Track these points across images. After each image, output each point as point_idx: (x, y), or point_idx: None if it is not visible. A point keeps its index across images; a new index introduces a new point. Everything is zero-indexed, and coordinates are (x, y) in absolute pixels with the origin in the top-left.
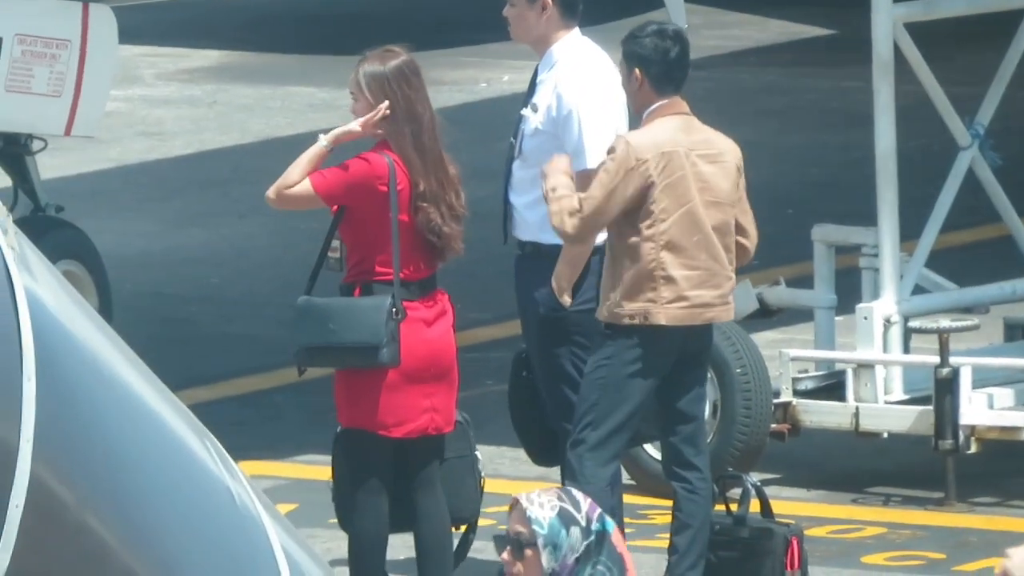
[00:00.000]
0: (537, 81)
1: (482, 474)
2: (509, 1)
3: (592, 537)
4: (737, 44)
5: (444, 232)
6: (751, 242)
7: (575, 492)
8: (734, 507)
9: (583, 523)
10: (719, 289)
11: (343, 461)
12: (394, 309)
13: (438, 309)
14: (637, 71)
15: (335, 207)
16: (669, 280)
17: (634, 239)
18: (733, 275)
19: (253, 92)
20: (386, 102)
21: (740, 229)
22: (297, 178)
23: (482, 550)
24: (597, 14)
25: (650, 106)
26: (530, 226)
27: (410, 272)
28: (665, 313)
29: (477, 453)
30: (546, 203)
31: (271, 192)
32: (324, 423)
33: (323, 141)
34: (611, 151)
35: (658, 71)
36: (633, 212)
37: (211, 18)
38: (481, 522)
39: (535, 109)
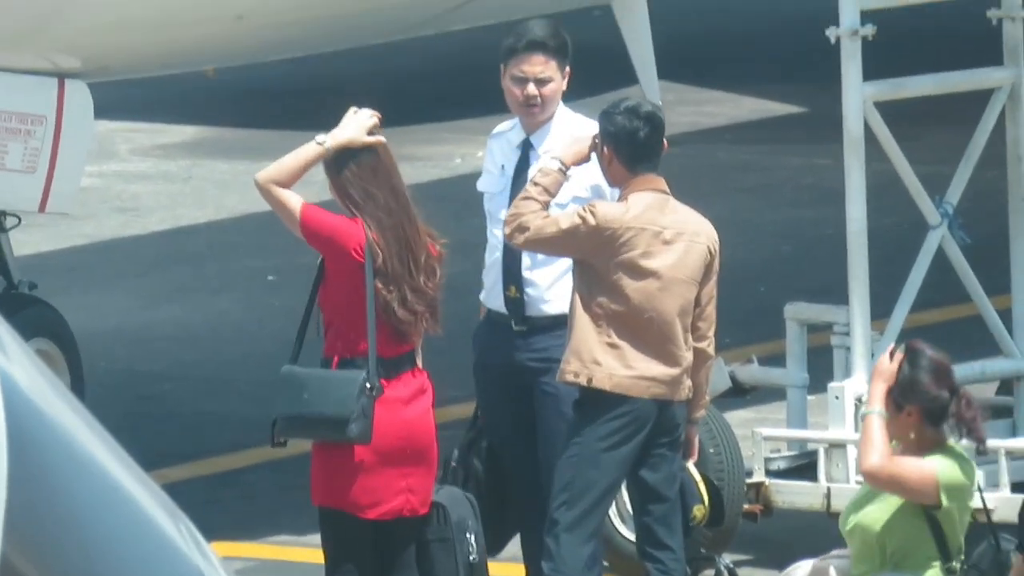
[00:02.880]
0: (540, 152)
1: (472, 555)
2: (541, 78)
3: None
4: (711, 121)
5: (399, 315)
6: (709, 346)
7: None
8: None
9: None
10: (669, 368)
11: (323, 541)
12: (368, 385)
13: (416, 387)
14: (607, 148)
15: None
16: (614, 347)
17: (589, 306)
18: (687, 356)
19: (228, 167)
20: (375, 116)
21: (698, 334)
22: (286, 178)
23: None
24: (575, 88)
25: (623, 182)
26: (557, 300)
27: (384, 349)
28: (609, 380)
29: (470, 537)
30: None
31: (260, 178)
32: (299, 502)
33: (327, 142)
34: (585, 210)
35: (628, 151)
36: (592, 280)
37: (186, 94)
38: None
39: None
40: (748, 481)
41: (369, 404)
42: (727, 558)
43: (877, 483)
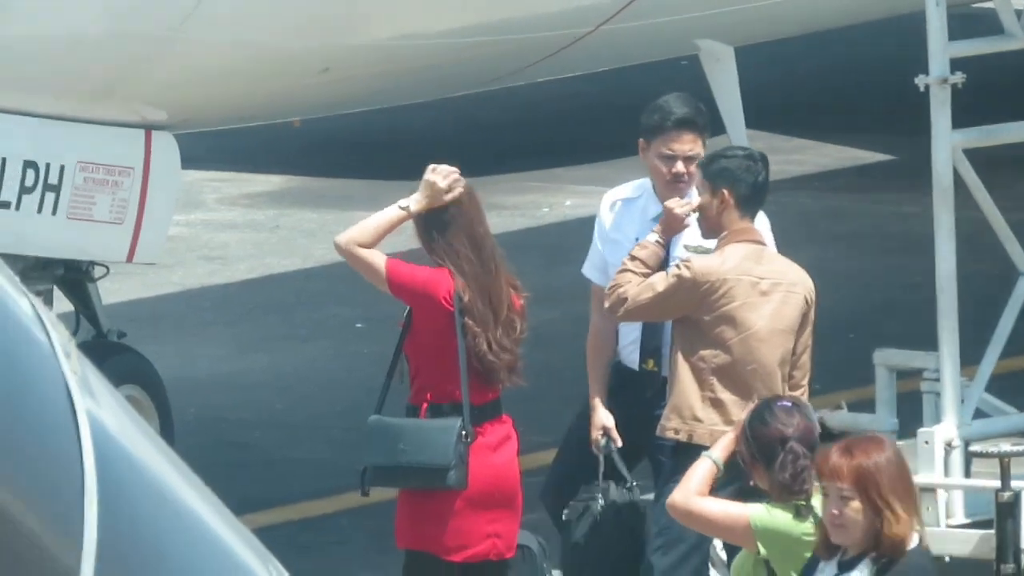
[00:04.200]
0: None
1: None
2: (690, 156)
3: None
4: (799, 169)
5: (488, 360)
6: (803, 394)
7: None
8: None
9: None
10: None
11: None
12: (463, 432)
13: (503, 434)
14: (725, 191)
15: (401, 323)
16: (717, 403)
17: (691, 362)
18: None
19: (316, 216)
20: (462, 183)
21: (792, 382)
22: (369, 239)
23: None
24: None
25: (726, 229)
26: None
27: (473, 396)
28: (710, 436)
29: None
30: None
31: (341, 240)
32: (389, 547)
33: (410, 206)
34: (680, 267)
35: (747, 191)
36: (693, 335)
37: (273, 143)
38: None
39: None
40: None
41: (465, 451)
42: None
43: (678, 516)
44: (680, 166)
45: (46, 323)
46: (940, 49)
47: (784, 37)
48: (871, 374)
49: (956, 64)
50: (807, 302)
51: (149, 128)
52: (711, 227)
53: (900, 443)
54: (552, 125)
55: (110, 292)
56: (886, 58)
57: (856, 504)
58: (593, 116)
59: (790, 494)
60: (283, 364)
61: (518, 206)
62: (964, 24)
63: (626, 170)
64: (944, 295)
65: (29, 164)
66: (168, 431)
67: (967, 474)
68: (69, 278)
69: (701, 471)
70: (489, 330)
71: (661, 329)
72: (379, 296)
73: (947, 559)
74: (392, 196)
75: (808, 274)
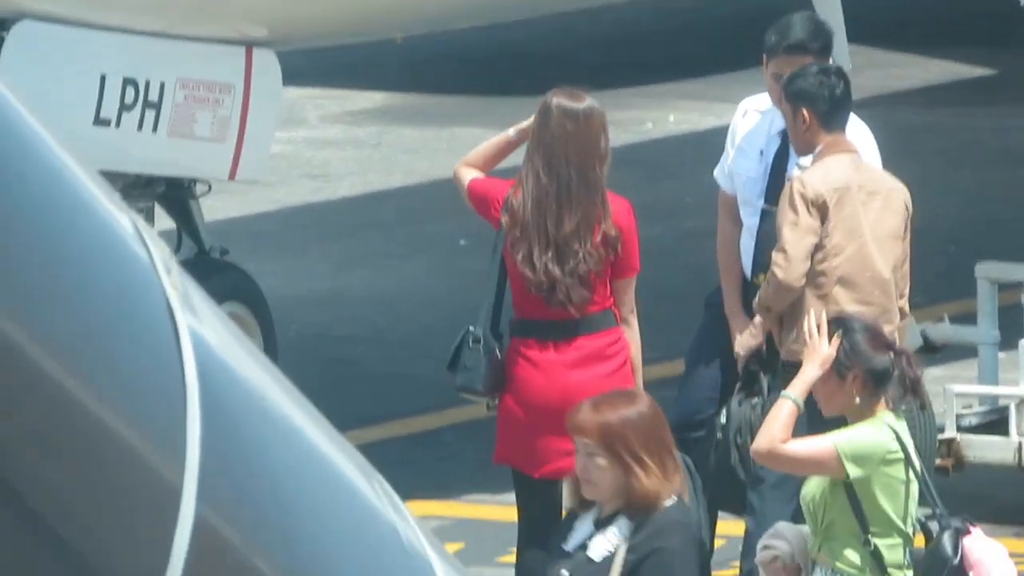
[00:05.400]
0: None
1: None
2: None
3: None
4: (900, 84)
5: (528, 277)
6: (905, 304)
7: None
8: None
9: None
10: (890, 325)
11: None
12: (471, 339)
13: (586, 353)
14: (805, 111)
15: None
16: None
17: (813, 279)
18: (900, 311)
19: (418, 134)
20: (532, 118)
21: (897, 292)
22: (478, 162)
23: None
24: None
25: (818, 145)
26: None
27: (526, 311)
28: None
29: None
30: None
31: (458, 165)
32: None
33: (510, 131)
34: (785, 196)
35: (826, 107)
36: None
37: (374, 60)
38: None
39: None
40: (940, 437)
41: (481, 357)
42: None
43: (764, 462)
44: None
45: (147, 240)
46: None
47: None
48: (973, 287)
49: None
50: (907, 209)
51: (250, 45)
52: (803, 146)
53: (1002, 355)
54: (656, 40)
55: (212, 210)
56: None
57: (601, 460)
58: (697, 30)
59: (914, 396)
60: (385, 281)
61: (621, 122)
62: None
63: (731, 86)
64: None
65: (129, 81)
66: (271, 348)
67: None
68: (171, 196)
69: (785, 414)
70: (537, 246)
71: (773, 244)
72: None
73: None
74: (494, 112)
75: (908, 188)
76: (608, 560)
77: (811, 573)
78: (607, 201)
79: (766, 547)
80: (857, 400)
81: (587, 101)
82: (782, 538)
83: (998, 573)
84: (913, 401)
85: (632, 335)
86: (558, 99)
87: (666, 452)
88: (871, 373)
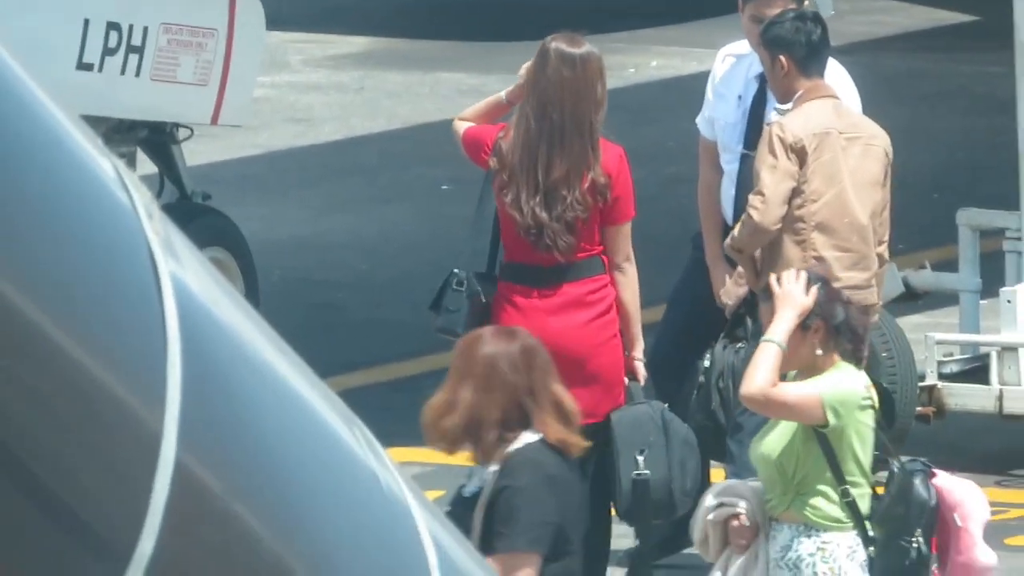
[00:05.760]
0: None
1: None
2: None
3: None
4: (884, 30)
5: (517, 221)
6: (885, 251)
7: None
8: (880, 490)
9: None
10: (868, 271)
11: None
12: (455, 281)
13: (571, 299)
14: (782, 58)
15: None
16: (820, 261)
17: (791, 225)
18: (880, 258)
19: (401, 78)
20: (525, 66)
21: (875, 237)
22: (468, 116)
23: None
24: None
25: (797, 91)
26: None
27: (515, 254)
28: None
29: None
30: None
31: (455, 121)
32: None
33: (502, 93)
34: (764, 140)
35: (803, 52)
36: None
37: (358, 4)
38: None
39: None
40: (921, 384)
41: (462, 300)
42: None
43: (755, 407)
44: None
45: (128, 185)
46: None
47: None
48: (955, 234)
49: None
50: (887, 155)
51: None
52: (782, 93)
53: (983, 302)
54: None
55: (195, 154)
56: None
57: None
58: None
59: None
60: (367, 226)
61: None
62: None
63: (713, 31)
64: None
65: (112, 26)
66: (253, 293)
67: None
68: (153, 140)
69: (769, 357)
70: (525, 191)
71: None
72: (466, 158)
73: None
74: (477, 57)
75: (891, 134)
76: (475, 496)
77: (770, 532)
78: (599, 148)
79: (722, 504)
80: (819, 351)
81: (585, 47)
82: (739, 495)
83: (980, 508)
84: (858, 353)
85: (627, 281)
86: (556, 44)
87: (540, 393)
88: (833, 324)
